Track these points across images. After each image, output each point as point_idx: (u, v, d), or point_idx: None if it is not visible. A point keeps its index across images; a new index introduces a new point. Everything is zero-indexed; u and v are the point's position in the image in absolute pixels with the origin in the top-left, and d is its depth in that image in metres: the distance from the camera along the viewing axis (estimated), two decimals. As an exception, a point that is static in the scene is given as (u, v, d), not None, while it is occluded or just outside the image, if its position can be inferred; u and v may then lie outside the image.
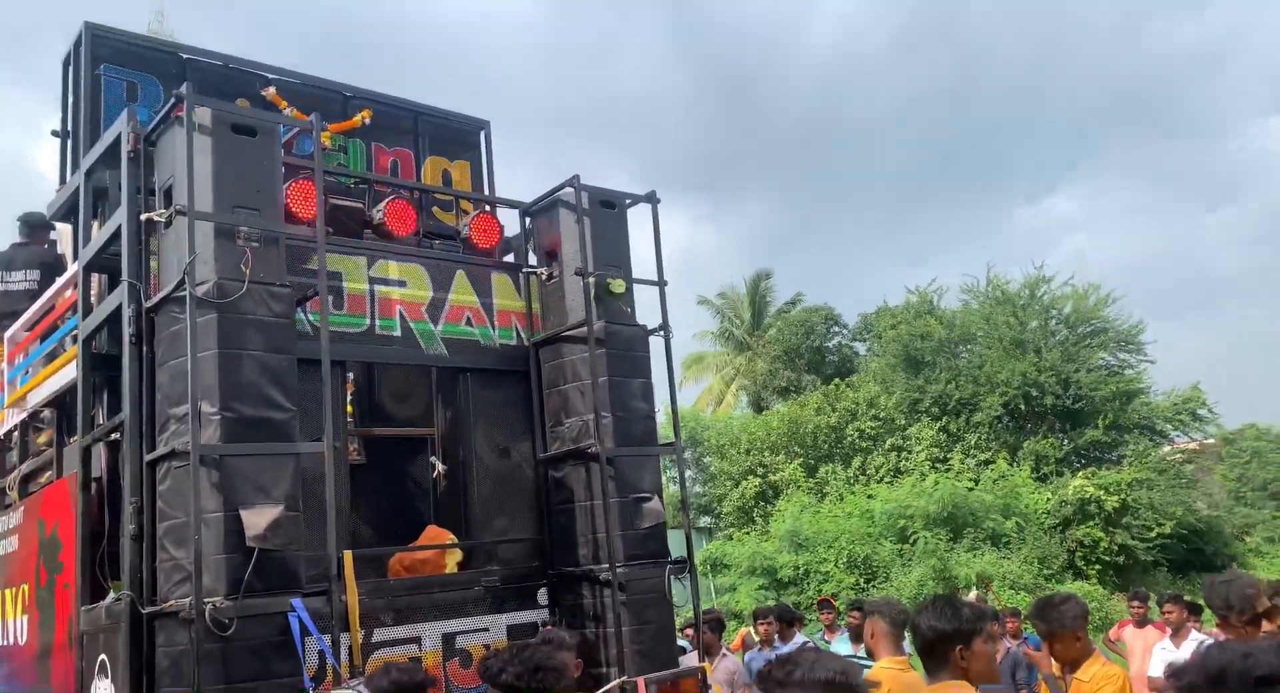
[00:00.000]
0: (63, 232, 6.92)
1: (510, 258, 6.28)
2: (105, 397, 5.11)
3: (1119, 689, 4.05)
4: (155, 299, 4.45)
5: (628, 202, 6.06)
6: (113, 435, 4.77)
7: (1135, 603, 9.00)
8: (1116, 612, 11.92)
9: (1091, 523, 19.41)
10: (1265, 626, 3.70)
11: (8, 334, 6.60)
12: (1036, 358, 22.60)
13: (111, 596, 4.54)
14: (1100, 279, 28.99)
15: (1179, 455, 24.17)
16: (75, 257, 5.65)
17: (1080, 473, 20.70)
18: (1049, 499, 19.96)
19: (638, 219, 6.10)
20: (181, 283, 4.21)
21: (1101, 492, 19.47)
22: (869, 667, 5.49)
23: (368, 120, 6.36)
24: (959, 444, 22.79)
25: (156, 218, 4.53)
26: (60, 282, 5.99)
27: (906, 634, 4.16)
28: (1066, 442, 22.69)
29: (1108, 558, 19.32)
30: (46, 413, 5.94)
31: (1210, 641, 6.59)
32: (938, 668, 3.16)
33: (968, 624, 3.11)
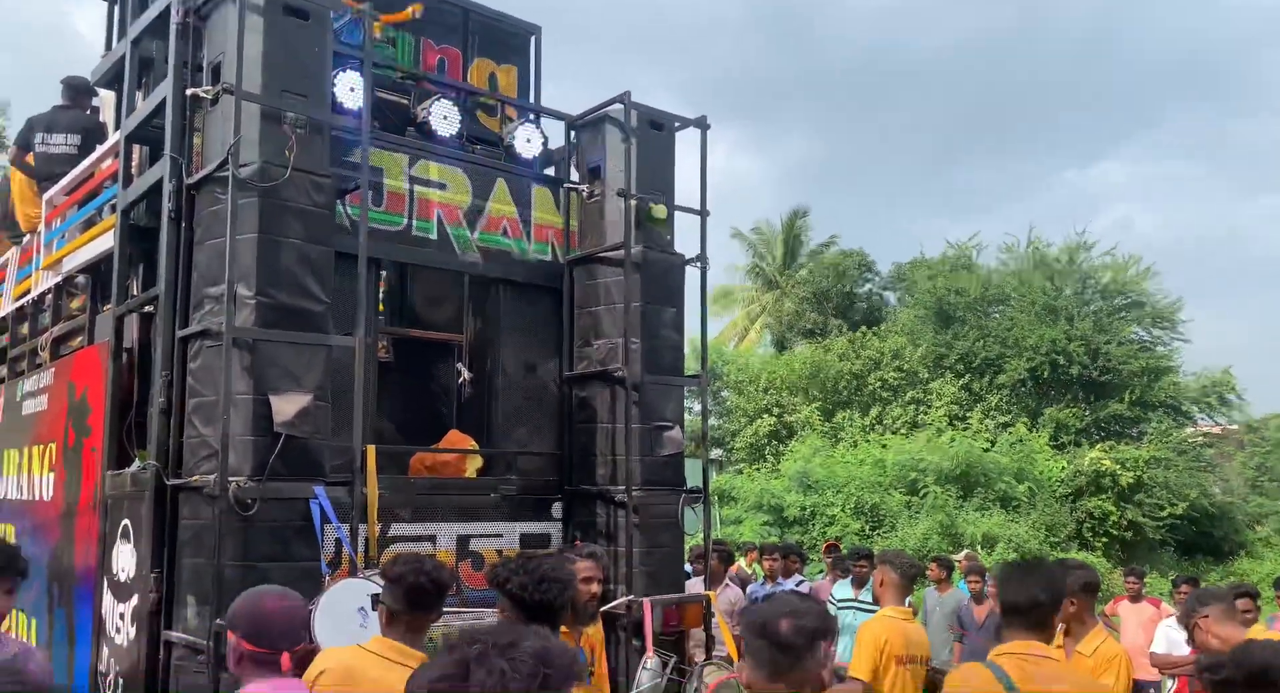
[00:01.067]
0: (105, 98, 6.88)
1: (551, 171, 6.20)
2: (141, 268, 5.15)
3: (1118, 673, 4.11)
4: (197, 177, 4.44)
5: (676, 125, 5.95)
6: (146, 308, 4.81)
7: (1131, 579, 9.10)
8: (1118, 586, 11.95)
9: (1104, 496, 19.36)
10: None
11: (46, 196, 6.62)
12: (1068, 326, 22.30)
13: (137, 464, 4.63)
14: (1142, 252, 28.43)
15: (1200, 438, 23.94)
16: (117, 125, 5.63)
17: (1099, 445, 20.58)
18: (1064, 468, 19.89)
19: (684, 143, 5.99)
20: (225, 163, 4.19)
21: (1118, 466, 19.37)
22: (872, 612, 5.56)
23: (418, 14, 6.21)
24: (980, 404, 22.67)
25: (203, 94, 4.48)
26: (101, 149, 5.98)
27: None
28: (1088, 413, 22.51)
29: (1116, 532, 19.32)
30: (80, 279, 5.99)
31: None
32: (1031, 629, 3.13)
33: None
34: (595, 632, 4.21)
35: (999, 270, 25.24)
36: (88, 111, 7.30)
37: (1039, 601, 3.12)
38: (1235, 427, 26.39)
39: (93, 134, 7.04)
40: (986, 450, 19.95)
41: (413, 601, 2.95)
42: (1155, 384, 22.29)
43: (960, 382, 23.14)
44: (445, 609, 4.78)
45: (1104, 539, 19.26)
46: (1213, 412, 23.97)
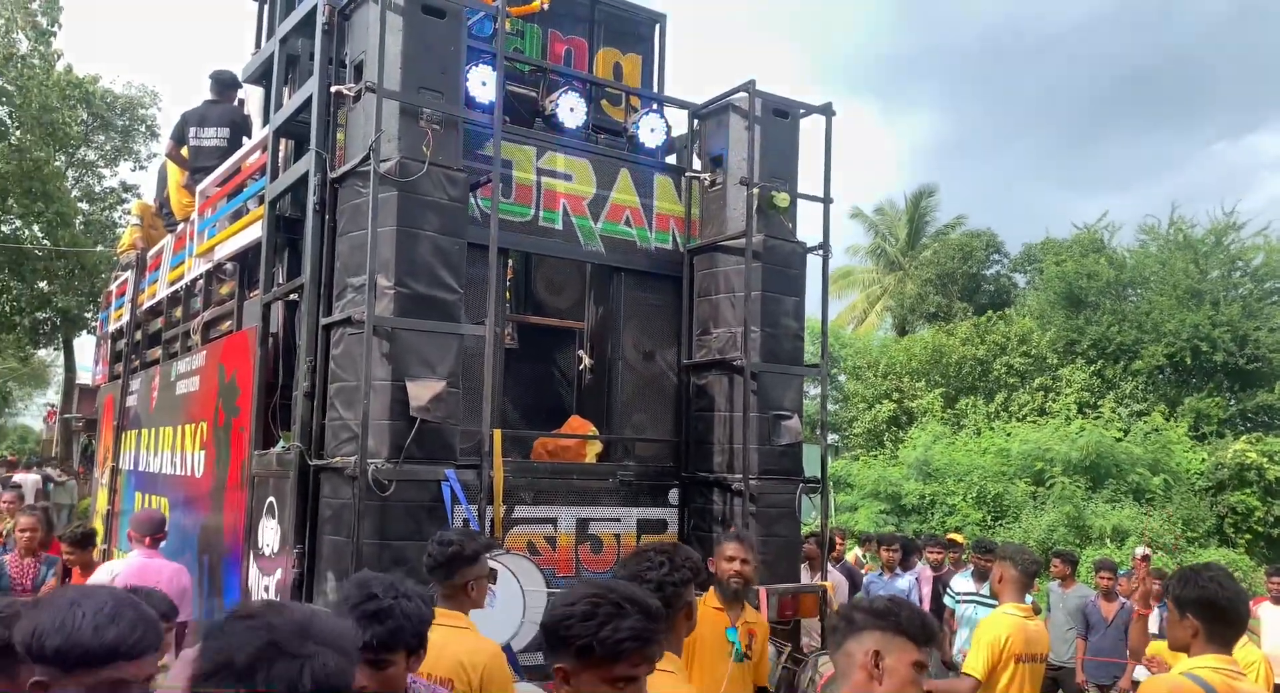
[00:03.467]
0: (253, 94, 7.25)
1: (673, 159, 6.24)
2: (286, 257, 5.44)
3: (1256, 679, 3.98)
4: (340, 171, 4.66)
5: (801, 111, 5.90)
6: (291, 296, 5.09)
7: (1275, 580, 8.63)
8: (1260, 586, 11.35)
9: (1249, 490, 18.32)
10: None
11: (199, 187, 7.04)
12: (1213, 310, 21.11)
13: (282, 444, 4.93)
14: (1297, 230, 26.58)
15: (1358, 431, 22.40)
16: (265, 121, 5.94)
17: (1244, 437, 19.47)
18: (1204, 460, 18.91)
19: (807, 126, 5.94)
20: (366, 158, 4.39)
21: (1265, 459, 18.29)
22: (992, 606, 5.47)
23: (546, 5, 6.33)
24: (1113, 391, 21.73)
25: (346, 91, 4.69)
26: (251, 144, 6.33)
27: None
28: (1233, 402, 21.31)
29: (1261, 529, 18.28)
30: (229, 266, 6.36)
31: None
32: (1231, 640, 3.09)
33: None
34: (757, 619, 4.25)
35: (1137, 252, 24.06)
36: (235, 105, 7.72)
37: (1243, 615, 3.04)
38: (1400, 421, 24.58)
39: (240, 127, 7.45)
40: (1119, 440, 19.12)
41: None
42: (1310, 374, 20.94)
43: (1092, 368, 22.21)
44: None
45: (1247, 536, 18.25)
46: (1374, 403, 22.34)
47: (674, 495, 5.54)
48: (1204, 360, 21.05)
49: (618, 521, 5.26)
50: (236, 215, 6.29)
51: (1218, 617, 2.98)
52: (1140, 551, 11.50)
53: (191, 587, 5.33)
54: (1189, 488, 18.48)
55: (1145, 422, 20.05)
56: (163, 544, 5.29)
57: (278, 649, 1.30)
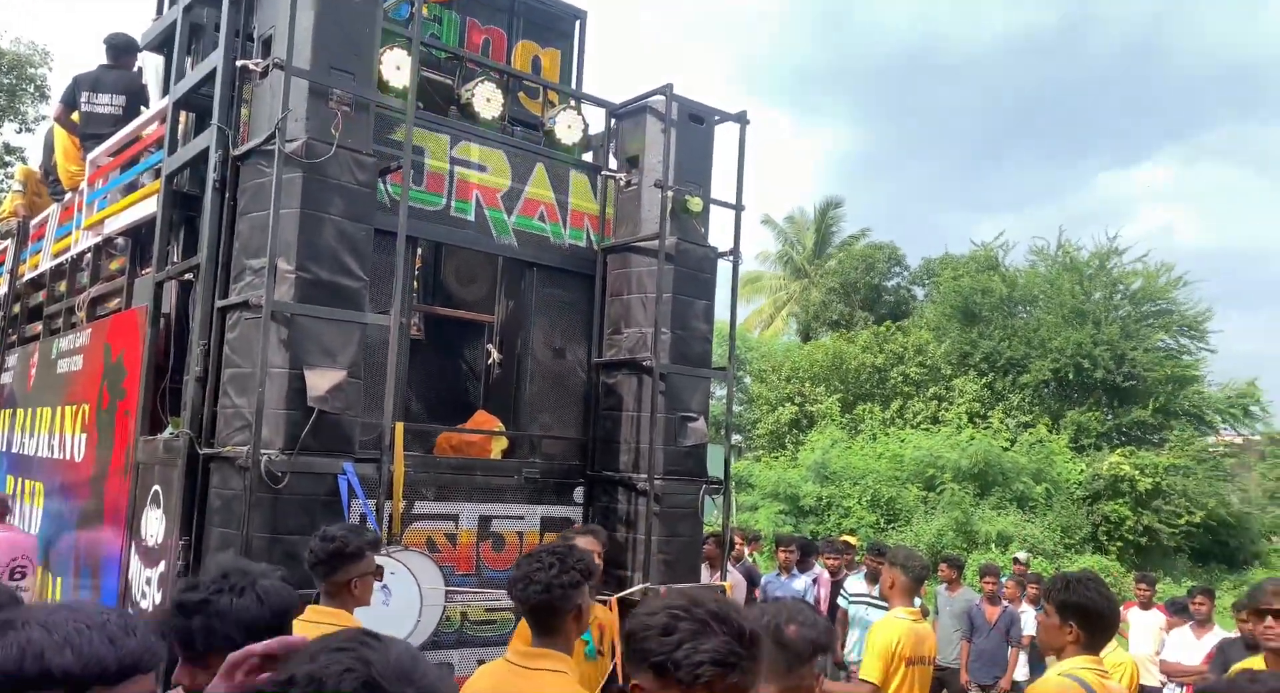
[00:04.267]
0: (151, 61, 6.93)
1: (589, 157, 6.21)
2: (182, 235, 5.21)
3: (1122, 680, 4.19)
4: (243, 149, 4.48)
5: (716, 118, 5.93)
6: (186, 275, 4.88)
7: (1142, 586, 9.11)
8: (1129, 591, 11.94)
9: (1121, 501, 19.29)
10: (1267, 620, 3.71)
11: (90, 156, 6.69)
12: (1095, 330, 22.14)
13: (170, 430, 4.71)
14: (1176, 258, 28.15)
15: (1222, 448, 23.78)
16: (165, 90, 5.68)
17: (1119, 450, 20.47)
18: (1083, 471, 19.81)
19: (723, 134, 5.97)
20: (272, 137, 4.23)
21: (1137, 472, 19.28)
22: (882, 610, 5.59)
23: (466, -8, 6.22)
24: (1001, 403, 22.59)
25: (253, 67, 4.52)
26: (148, 114, 6.04)
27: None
28: (1111, 417, 22.39)
29: (1131, 537, 19.26)
30: (120, 241, 6.07)
31: (1230, 637, 6.64)
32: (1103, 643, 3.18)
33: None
34: (605, 614, 4.27)
35: (1028, 272, 25.06)
36: (133, 71, 7.35)
37: (1117, 621, 3.17)
38: (1258, 438, 26.17)
39: (137, 96, 7.10)
40: (1006, 450, 19.89)
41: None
42: (1180, 392, 22.14)
43: (983, 380, 23.06)
44: (464, 590, 4.87)
45: (1119, 544, 19.20)
46: (1236, 422, 23.76)
47: (579, 494, 5.51)
48: (1085, 376, 22.05)
49: (521, 518, 5.20)
50: (130, 188, 6.00)
51: (1095, 623, 3.11)
52: (1021, 555, 11.99)
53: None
54: (1068, 497, 19.34)
55: (1030, 433, 20.90)
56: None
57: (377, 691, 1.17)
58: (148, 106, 6.69)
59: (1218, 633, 7.36)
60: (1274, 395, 30.77)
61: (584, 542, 4.09)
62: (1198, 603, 7.67)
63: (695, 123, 5.78)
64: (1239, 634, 6.46)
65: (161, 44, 5.88)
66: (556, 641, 2.70)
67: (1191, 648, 7.44)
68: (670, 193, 5.50)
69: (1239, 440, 25.96)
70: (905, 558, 4.84)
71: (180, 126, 5.25)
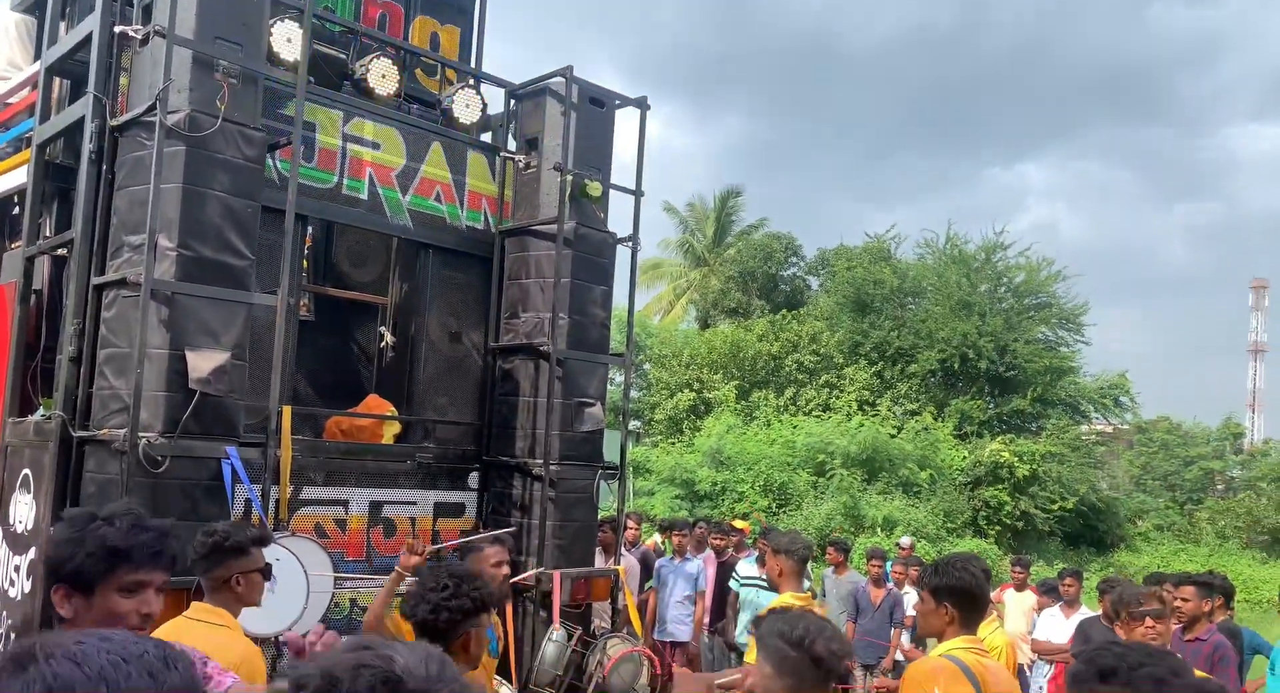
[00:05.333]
0: (21, 22, 6.54)
1: (488, 137, 6.14)
2: (55, 208, 4.95)
3: (999, 660, 4.39)
4: (122, 120, 4.29)
5: (617, 102, 5.93)
6: (59, 251, 4.64)
7: (1017, 569, 9.54)
8: (1006, 574, 12.51)
9: (1000, 486, 20.13)
10: (1147, 622, 3.97)
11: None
12: (980, 321, 23.02)
13: (41, 412, 4.49)
14: (1056, 252, 29.47)
15: (1094, 436, 25.07)
16: (37, 55, 5.39)
17: (999, 438, 21.36)
18: (965, 458, 20.62)
19: (623, 120, 5.99)
20: (152, 108, 4.06)
21: (1015, 459, 20.15)
22: (773, 593, 5.71)
23: (362, -35, 6.05)
24: (890, 391, 23.31)
25: (132, 33, 4.32)
26: (18, 78, 5.71)
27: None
28: (993, 406, 23.33)
29: (1008, 521, 20.13)
30: (-13, 213, 5.73)
31: (1090, 616, 7.03)
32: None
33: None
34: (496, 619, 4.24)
35: (917, 264, 25.87)
36: None
37: (989, 599, 3.29)
38: (1126, 427, 27.68)
39: None
40: (893, 437, 20.54)
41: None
42: (1057, 383, 23.20)
43: (873, 369, 23.74)
44: (354, 576, 4.79)
45: (997, 528, 20.05)
46: (1107, 412, 25.05)
47: (474, 479, 5.47)
48: (970, 367, 22.91)
49: (414, 504, 5.13)
50: (-2, 157, 5.67)
51: (970, 603, 3.24)
52: (905, 540, 12.42)
53: None
54: (950, 483, 20.10)
55: (917, 420, 21.64)
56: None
57: None
58: None
59: (1083, 613, 7.77)
60: (1142, 387, 32.57)
61: (492, 552, 4.04)
62: (1067, 585, 8.07)
63: (595, 106, 5.77)
64: (1099, 613, 6.85)
65: (33, 5, 5.57)
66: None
67: (1060, 627, 7.83)
68: (569, 176, 5.49)
69: (1109, 429, 27.40)
70: (789, 543, 4.94)
71: (54, 94, 4.98)
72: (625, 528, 7.81)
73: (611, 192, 5.83)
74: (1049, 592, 8.63)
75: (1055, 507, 20.33)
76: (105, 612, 2.06)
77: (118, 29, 4.35)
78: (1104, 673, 1.85)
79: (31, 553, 4.19)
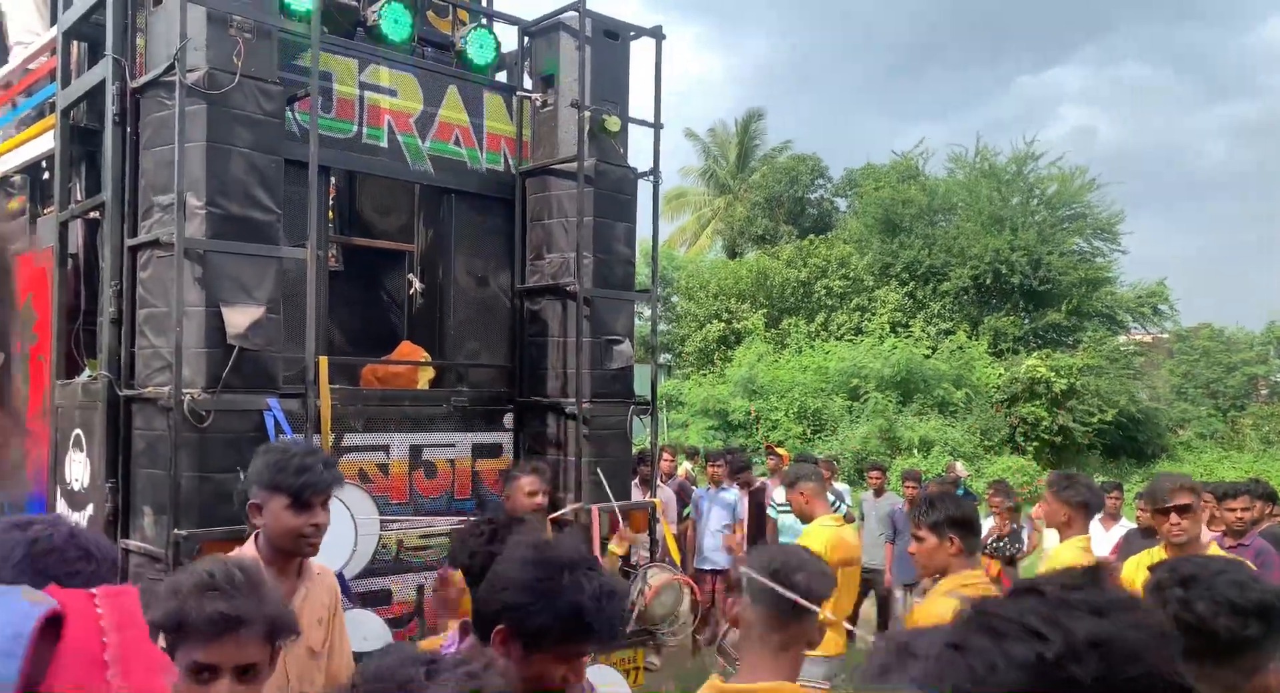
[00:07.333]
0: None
1: (503, 77, 6.09)
2: (83, 171, 5.02)
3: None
4: (142, 81, 4.32)
5: (632, 34, 5.85)
6: (91, 214, 4.72)
7: (1116, 494, 9.52)
8: (1043, 490, 12.57)
9: (1038, 402, 20.09)
10: (1172, 518, 3.97)
11: (-24, 92, 6.35)
12: (1012, 236, 22.70)
13: (87, 374, 4.63)
14: (1092, 159, 28.76)
15: (1132, 347, 24.81)
16: (53, 20, 5.41)
17: (1035, 353, 21.24)
18: (1001, 375, 20.55)
19: (639, 51, 5.91)
20: (171, 67, 4.08)
21: (1053, 374, 20.05)
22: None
23: (367, -94, 5.96)
24: (922, 312, 23.18)
25: (145, -8, 4.32)
26: (36, 44, 5.74)
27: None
28: (1027, 321, 23.16)
29: (1047, 437, 20.13)
30: (18, 179, 5.82)
31: (1133, 529, 7.08)
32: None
33: None
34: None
35: (946, 180, 25.46)
36: None
37: (978, 518, 3.31)
38: (1166, 336, 27.34)
39: None
40: (927, 357, 20.50)
41: None
42: (1092, 294, 22.94)
43: (904, 289, 23.58)
44: (400, 518, 4.94)
45: (1035, 444, 20.08)
46: (1145, 321, 24.78)
47: (509, 420, 5.57)
48: (1003, 282, 22.69)
49: (452, 446, 5.25)
50: (23, 124, 5.73)
51: (969, 529, 3.27)
52: (959, 466, 12.40)
53: None
54: (987, 401, 20.08)
55: (951, 340, 21.55)
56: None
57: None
58: (4, 35, 6.34)
59: (1124, 525, 7.82)
60: (1181, 293, 32.04)
61: (528, 481, 4.15)
62: (1112, 498, 8.11)
63: (610, 39, 5.70)
64: (1138, 525, 6.89)
65: (45, -33, 5.57)
66: None
67: (1100, 539, 7.90)
68: (587, 113, 5.45)
69: (1148, 339, 27.08)
70: (795, 474, 5.08)
71: (73, 58, 5.01)
72: (660, 461, 7.95)
73: (630, 125, 5.79)
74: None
75: (1094, 420, 20.26)
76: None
77: (130, -11, 4.35)
78: (1185, 581, 1.89)
79: (89, 509, 4.36)
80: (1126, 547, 6.59)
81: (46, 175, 5.47)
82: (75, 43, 5.01)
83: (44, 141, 5.23)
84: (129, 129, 4.38)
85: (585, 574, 1.88)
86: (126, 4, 4.41)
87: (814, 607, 2.28)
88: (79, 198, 4.92)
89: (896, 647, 0.87)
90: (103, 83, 4.43)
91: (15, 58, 5.97)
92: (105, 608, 0.62)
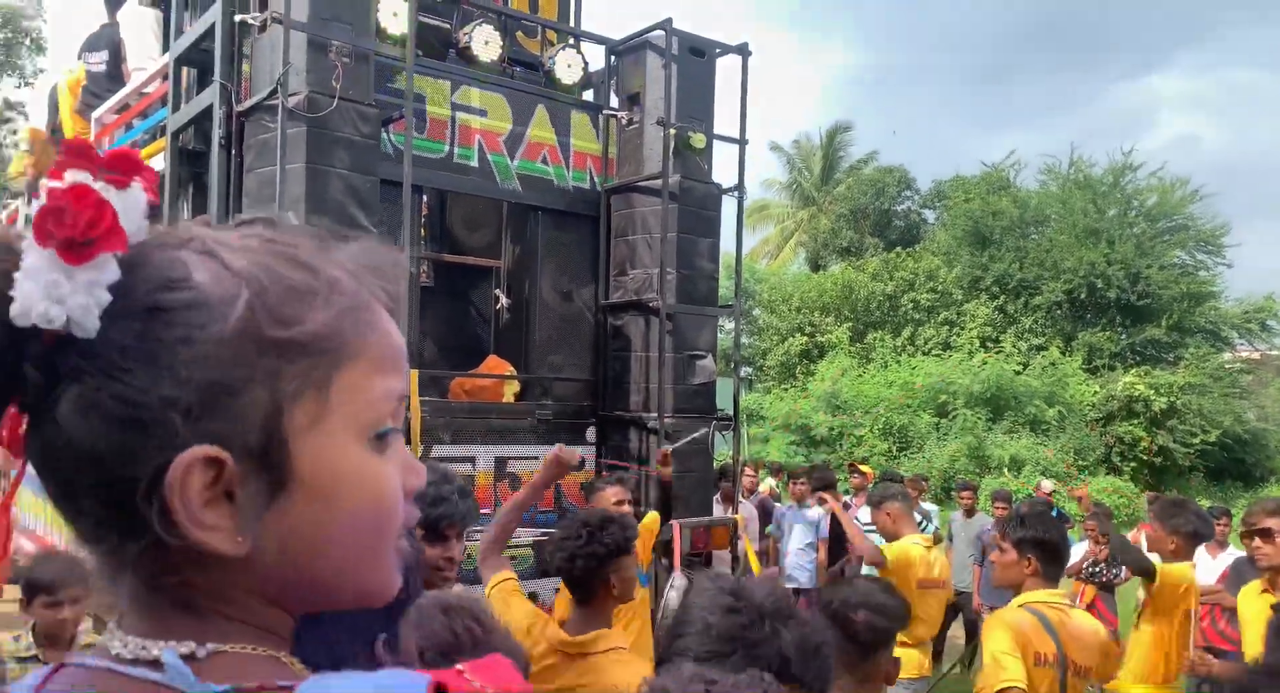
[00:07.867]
0: (145, 16, 6.89)
1: (590, 95, 6.19)
2: (191, 192, 5.26)
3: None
4: (246, 105, 4.51)
5: (717, 51, 5.89)
6: (200, 232, 4.94)
7: (1224, 521, 9.11)
8: (1143, 512, 12.10)
9: (1135, 421, 19.36)
10: (1255, 542, 3.84)
11: (95, 115, 6.72)
12: (1108, 249, 21.99)
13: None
14: (1196, 168, 27.76)
15: (1239, 364, 23.75)
16: (166, 47, 5.68)
17: (1133, 370, 20.50)
18: (1096, 392, 19.88)
19: (725, 65, 5.95)
20: (274, 92, 4.26)
21: (1152, 391, 19.31)
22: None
23: (459, -64, 6.13)
24: (1013, 327, 22.59)
25: (251, 21, 4.53)
26: (150, 70, 6.05)
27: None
28: (1124, 337, 22.36)
29: (1145, 457, 19.38)
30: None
31: (1242, 557, 6.77)
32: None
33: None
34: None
35: (1039, 192, 24.82)
36: (114, 25, 7.32)
37: (1067, 547, 3.27)
38: (1275, 352, 26.09)
39: (115, 51, 7.07)
40: (1018, 374, 19.96)
41: None
42: (1195, 309, 22.06)
43: (994, 303, 23.02)
44: (484, 529, 5.03)
45: (1133, 464, 19.35)
46: (1253, 337, 23.70)
47: (592, 433, 5.63)
48: (1099, 296, 21.98)
49: (535, 459, 5.31)
50: (137, 146, 6.04)
51: (1052, 555, 3.22)
52: (1048, 484, 12.03)
53: None
54: (1081, 419, 19.44)
55: (1043, 356, 20.95)
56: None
57: None
58: (126, 61, 6.68)
59: (1231, 553, 7.47)
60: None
61: (612, 491, 4.21)
62: (1221, 524, 7.75)
63: (696, 57, 5.75)
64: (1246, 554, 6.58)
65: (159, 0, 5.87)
66: (590, 609, 2.74)
67: (1206, 567, 7.56)
68: (672, 130, 5.50)
69: (1256, 356, 25.89)
70: (881, 495, 5.03)
71: (183, 83, 5.26)
72: (742, 476, 7.93)
73: (715, 141, 5.82)
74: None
75: (1196, 441, 19.42)
76: None
77: (238, 18, 4.56)
78: None
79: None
80: (1235, 576, 6.29)
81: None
82: (185, 69, 5.26)
83: (155, 163, 5.50)
84: (234, 151, 4.58)
85: (785, 622, 1.72)
86: (234, 31, 4.62)
87: (877, 646, 2.25)
88: (186, 217, 5.16)
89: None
90: (210, 107, 4.65)
91: (132, 83, 6.30)
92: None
